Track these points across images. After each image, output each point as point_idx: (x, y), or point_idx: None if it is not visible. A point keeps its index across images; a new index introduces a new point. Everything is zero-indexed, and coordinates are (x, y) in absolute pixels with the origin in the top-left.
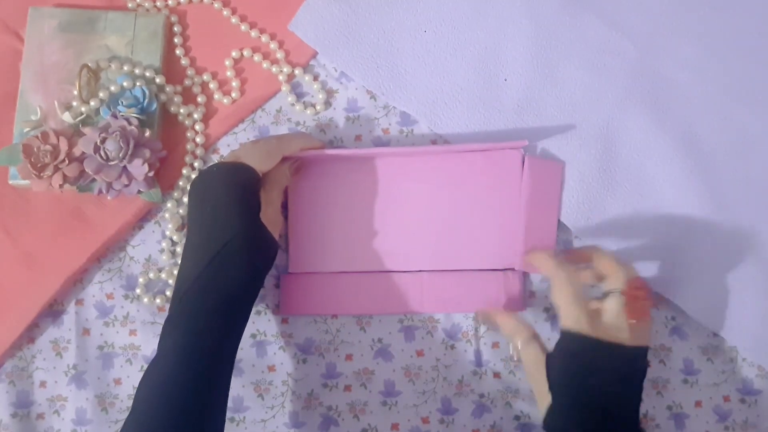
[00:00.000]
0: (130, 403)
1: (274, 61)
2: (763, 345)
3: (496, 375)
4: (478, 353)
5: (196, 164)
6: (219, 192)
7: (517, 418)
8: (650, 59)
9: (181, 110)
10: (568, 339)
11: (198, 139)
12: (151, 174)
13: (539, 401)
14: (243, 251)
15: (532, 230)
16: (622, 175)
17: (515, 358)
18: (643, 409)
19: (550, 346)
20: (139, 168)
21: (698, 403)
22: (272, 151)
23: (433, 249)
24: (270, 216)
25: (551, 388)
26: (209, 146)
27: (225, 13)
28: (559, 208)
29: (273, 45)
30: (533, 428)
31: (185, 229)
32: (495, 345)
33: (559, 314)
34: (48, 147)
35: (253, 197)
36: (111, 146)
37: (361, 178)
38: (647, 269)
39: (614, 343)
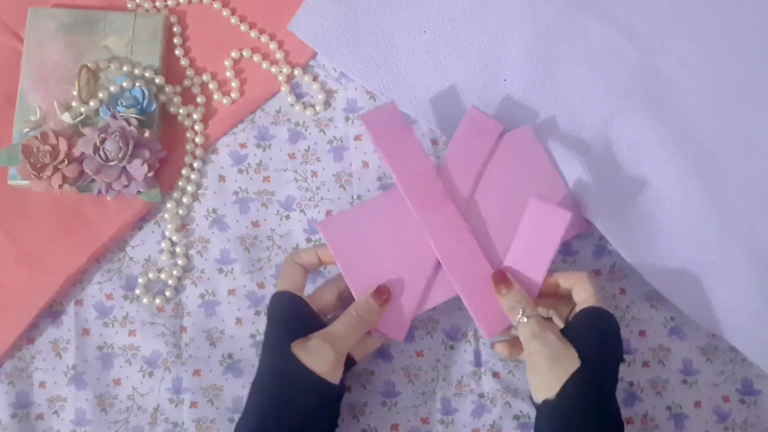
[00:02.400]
0: (129, 403)
1: (274, 62)
2: (762, 346)
3: (496, 375)
4: (477, 353)
5: (195, 164)
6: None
7: (516, 417)
8: (649, 59)
9: (181, 110)
10: (598, 316)
11: (197, 140)
12: (150, 174)
13: (548, 371)
14: (263, 387)
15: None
16: (621, 175)
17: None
18: (642, 409)
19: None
20: (138, 168)
21: (698, 404)
22: (287, 267)
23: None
24: (309, 344)
25: (583, 356)
26: (209, 146)
27: (225, 13)
28: (553, 257)
29: (272, 45)
30: (532, 428)
31: (185, 230)
32: (494, 345)
33: (588, 298)
34: (47, 147)
35: (283, 323)
36: (110, 147)
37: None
38: (645, 270)
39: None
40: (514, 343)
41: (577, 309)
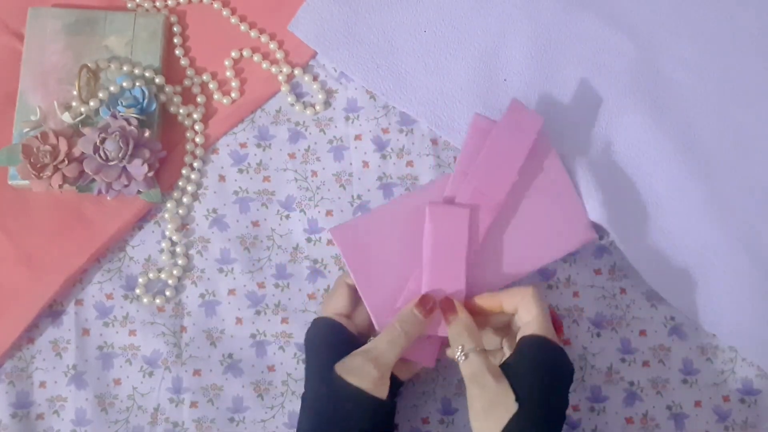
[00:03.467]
0: (129, 403)
1: (274, 62)
2: (762, 346)
3: None
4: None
5: (195, 164)
6: (305, 358)
7: None
8: (650, 59)
9: (181, 110)
10: (540, 347)
11: (197, 140)
12: (150, 174)
13: (484, 419)
14: (307, 409)
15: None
16: (620, 175)
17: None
18: (642, 408)
19: None
20: (138, 168)
21: (698, 403)
22: (334, 290)
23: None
24: (350, 362)
25: (521, 398)
26: (209, 146)
27: (225, 13)
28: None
29: (273, 45)
30: None
31: (185, 229)
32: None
33: (531, 322)
34: (47, 147)
35: (322, 348)
36: (110, 146)
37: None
38: (644, 270)
39: (566, 355)
40: None
41: (519, 335)
